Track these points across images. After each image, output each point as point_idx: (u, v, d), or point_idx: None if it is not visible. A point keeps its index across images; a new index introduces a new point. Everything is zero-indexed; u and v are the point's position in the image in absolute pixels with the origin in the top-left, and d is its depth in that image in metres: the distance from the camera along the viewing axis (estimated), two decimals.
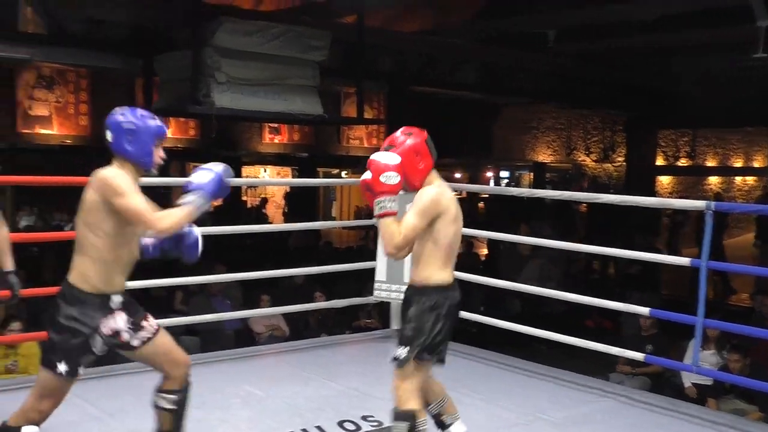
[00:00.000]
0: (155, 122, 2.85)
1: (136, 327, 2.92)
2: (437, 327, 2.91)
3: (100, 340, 2.81)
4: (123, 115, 2.82)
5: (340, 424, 3.66)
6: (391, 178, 2.79)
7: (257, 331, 7.23)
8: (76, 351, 2.76)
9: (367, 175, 2.85)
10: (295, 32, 9.09)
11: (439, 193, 2.93)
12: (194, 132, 15.17)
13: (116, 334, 2.86)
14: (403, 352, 2.89)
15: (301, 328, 7.40)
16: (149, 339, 2.94)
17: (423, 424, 2.93)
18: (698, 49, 11.28)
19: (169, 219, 2.73)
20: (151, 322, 2.98)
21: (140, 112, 2.86)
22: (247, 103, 8.83)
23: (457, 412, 3.20)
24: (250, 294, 7.60)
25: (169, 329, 7.05)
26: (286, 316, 7.30)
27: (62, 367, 2.73)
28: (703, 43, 10.87)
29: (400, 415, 2.90)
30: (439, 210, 2.90)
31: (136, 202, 2.71)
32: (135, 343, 2.92)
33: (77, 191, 4.21)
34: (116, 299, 2.85)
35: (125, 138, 2.79)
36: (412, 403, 2.91)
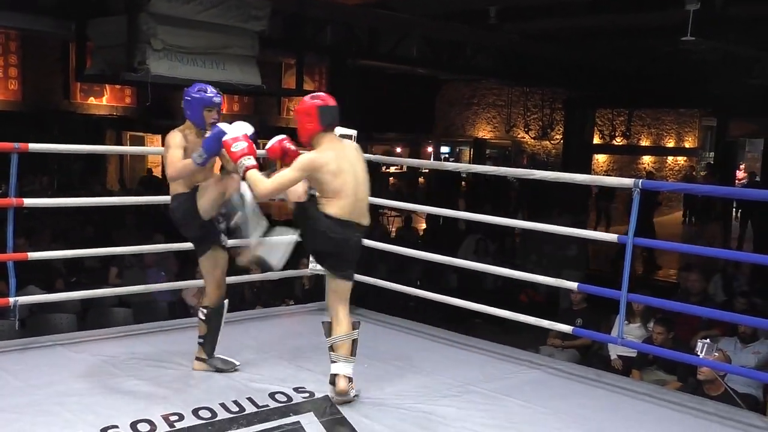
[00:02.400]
0: (206, 94, 3.73)
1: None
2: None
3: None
4: (188, 90, 3.76)
5: (272, 395, 3.67)
6: (239, 146, 3.51)
7: (191, 303, 7.14)
8: None
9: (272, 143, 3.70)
10: (234, 0, 8.92)
11: (312, 156, 3.53)
12: (130, 100, 14.73)
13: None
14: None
15: (236, 301, 7.33)
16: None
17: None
18: (634, 31, 11.51)
19: (172, 167, 3.67)
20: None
21: (199, 86, 3.76)
22: (184, 71, 8.63)
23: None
24: (185, 266, 7.50)
25: (101, 300, 6.83)
26: None
27: None
28: (639, 26, 11.10)
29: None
30: (313, 166, 3.50)
31: (170, 153, 3.69)
32: None
33: (5, 157, 4.08)
34: None
35: (186, 107, 3.75)
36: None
